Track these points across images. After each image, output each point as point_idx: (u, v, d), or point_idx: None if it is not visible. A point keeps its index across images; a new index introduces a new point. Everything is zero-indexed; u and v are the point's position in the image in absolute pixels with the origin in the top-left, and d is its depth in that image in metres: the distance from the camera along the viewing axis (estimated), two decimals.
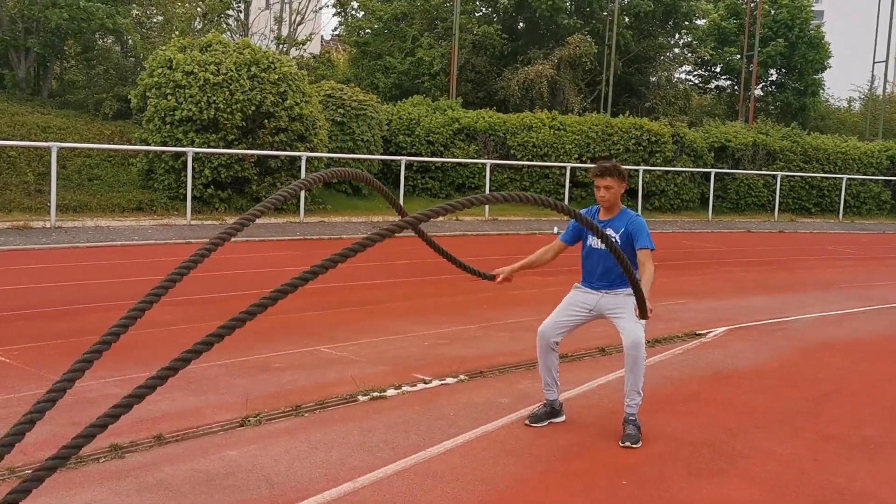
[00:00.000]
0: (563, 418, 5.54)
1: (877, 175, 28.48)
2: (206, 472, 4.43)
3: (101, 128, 19.80)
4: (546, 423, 5.43)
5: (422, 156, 22.70)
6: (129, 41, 21.69)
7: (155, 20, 24.57)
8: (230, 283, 10.59)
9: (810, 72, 37.51)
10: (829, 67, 38.22)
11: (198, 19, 25.48)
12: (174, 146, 16.90)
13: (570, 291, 5.52)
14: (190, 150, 16.29)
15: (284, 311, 8.81)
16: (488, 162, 21.69)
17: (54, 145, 14.91)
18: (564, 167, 22.66)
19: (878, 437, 5.53)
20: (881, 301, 11.54)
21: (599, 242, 5.30)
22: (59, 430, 4.95)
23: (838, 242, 20.97)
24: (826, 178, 27.54)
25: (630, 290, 5.29)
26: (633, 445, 5.06)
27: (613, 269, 5.27)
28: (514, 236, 18.03)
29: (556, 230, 18.17)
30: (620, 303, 5.27)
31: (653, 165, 24.30)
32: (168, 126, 17.05)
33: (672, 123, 26.74)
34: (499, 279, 5.34)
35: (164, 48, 17.87)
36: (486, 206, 20.55)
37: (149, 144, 17.17)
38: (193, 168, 16.53)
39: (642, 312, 4.85)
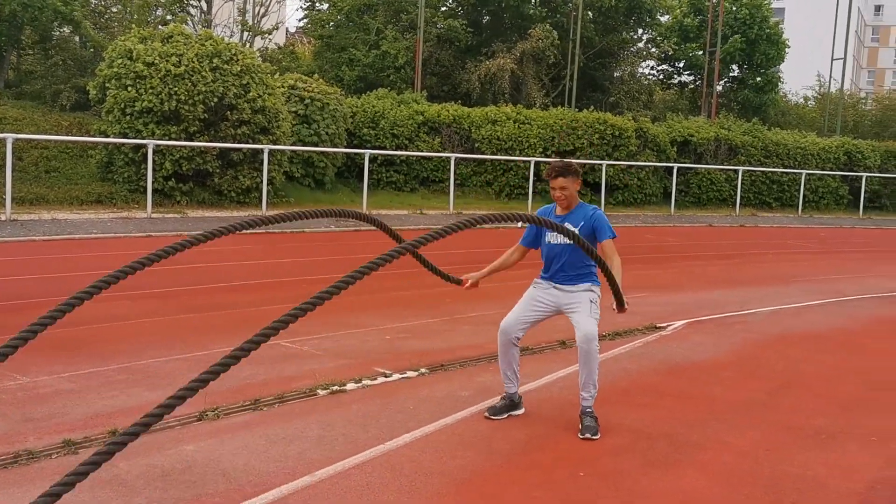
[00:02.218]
0: (522, 410, 5.56)
1: (834, 170, 28.90)
2: (161, 468, 4.39)
3: (59, 119, 19.51)
4: (505, 416, 5.46)
5: (386, 149, 22.65)
6: (85, 31, 21.36)
7: (113, 9, 24.25)
8: (190, 276, 10.49)
9: (769, 66, 38.02)
10: (785, 60, 38.72)
11: (158, 10, 25.18)
12: (134, 138, 16.70)
13: (529, 288, 5.55)
14: (150, 143, 16.11)
15: (244, 305, 8.77)
16: (453, 156, 21.70)
17: (9, 136, 14.66)
18: (529, 161, 22.73)
19: (831, 427, 5.62)
20: (838, 294, 11.72)
21: (558, 238, 5.34)
22: (11, 426, 4.88)
23: (797, 236, 21.27)
24: (786, 172, 27.90)
25: (588, 286, 5.34)
26: (593, 437, 5.10)
27: (575, 263, 5.31)
28: (477, 230, 18.05)
29: (520, 224, 18.18)
30: (577, 298, 5.31)
31: (616, 160, 24.46)
32: (128, 117, 16.85)
33: (635, 118, 26.91)
34: (466, 285, 5.40)
35: (123, 38, 17.64)
36: (451, 200, 20.56)
37: (108, 136, 16.95)
38: (154, 160, 16.35)
39: (620, 304, 4.90)
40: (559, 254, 5.37)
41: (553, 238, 5.40)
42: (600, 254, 5.13)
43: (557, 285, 5.39)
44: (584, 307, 5.28)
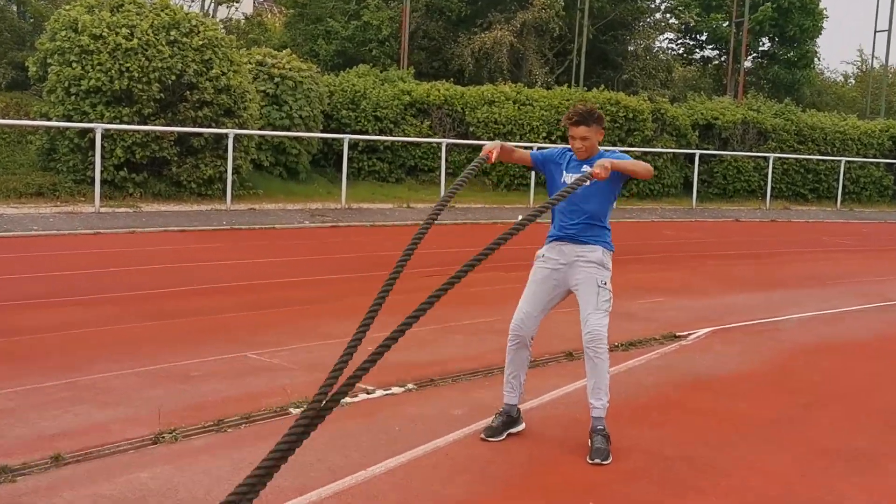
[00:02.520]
0: (522, 426, 5.58)
1: (878, 157, 29.00)
2: (111, 498, 4.39)
3: None
4: (504, 436, 5.46)
5: (368, 134, 22.64)
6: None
7: None
8: (150, 279, 10.47)
9: (804, 40, 38.08)
10: (822, 33, 38.81)
11: None
12: (80, 121, 16.66)
13: (534, 266, 5.54)
14: (99, 126, 16.08)
15: (205, 312, 8.76)
16: (444, 141, 21.72)
17: None
18: (531, 147, 22.73)
19: (872, 449, 5.64)
20: (881, 298, 11.77)
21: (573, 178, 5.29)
22: None
23: (836, 233, 21.35)
24: (823, 160, 27.99)
25: (600, 252, 5.32)
26: (604, 462, 5.10)
27: (595, 212, 5.35)
28: (473, 225, 18.08)
29: (520, 219, 18.21)
30: (586, 279, 5.31)
31: (630, 145, 24.49)
32: (73, 98, 16.81)
33: (652, 98, 26.97)
34: (493, 157, 5.12)
35: (67, 8, 17.60)
36: (442, 192, 20.57)
37: (50, 119, 16.91)
38: (103, 147, 16.31)
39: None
40: (578, 198, 5.28)
41: (569, 178, 5.37)
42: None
43: (566, 242, 5.38)
44: (591, 292, 5.29)
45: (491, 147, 5.17)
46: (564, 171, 5.45)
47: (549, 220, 5.54)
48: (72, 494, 4.40)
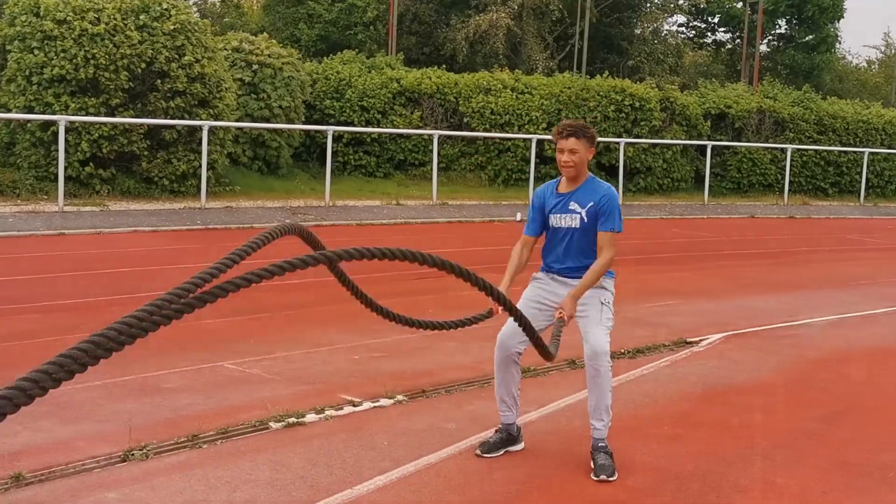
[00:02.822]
0: (521, 446, 5.58)
1: None
2: None
3: None
4: (502, 453, 5.47)
5: (354, 125, 22.65)
6: None
7: None
8: (112, 284, 10.45)
9: (824, 22, 38.15)
10: (843, 15, 38.90)
11: None
12: (42, 113, 16.63)
13: (528, 286, 5.57)
14: (62, 118, 16.05)
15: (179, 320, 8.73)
16: (436, 133, 21.72)
17: None
18: (530, 139, 22.78)
19: None
20: None
21: (563, 220, 5.42)
22: None
23: (859, 230, 21.39)
24: (845, 152, 28.04)
25: (599, 284, 5.37)
26: (609, 479, 5.11)
27: (584, 249, 5.39)
28: (467, 224, 18.09)
29: (518, 217, 18.27)
30: (587, 299, 5.33)
31: (637, 137, 24.53)
32: (35, 87, 16.78)
33: (660, 86, 27.02)
34: (498, 311, 5.25)
35: None
36: (434, 188, 20.59)
37: (10, 111, 16.88)
38: (67, 141, 16.29)
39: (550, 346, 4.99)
40: (565, 238, 5.41)
41: (556, 220, 5.46)
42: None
43: (563, 278, 5.40)
44: (593, 311, 5.32)
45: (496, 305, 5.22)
46: (553, 212, 5.49)
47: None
48: None
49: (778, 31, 39.64)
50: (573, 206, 5.38)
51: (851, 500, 5.03)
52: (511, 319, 5.50)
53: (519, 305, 5.51)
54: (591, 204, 5.37)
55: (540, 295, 5.49)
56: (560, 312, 5.21)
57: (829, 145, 27.85)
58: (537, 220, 5.62)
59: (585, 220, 5.35)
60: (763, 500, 4.96)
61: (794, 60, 38.13)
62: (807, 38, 38.54)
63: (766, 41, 38.92)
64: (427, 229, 17.03)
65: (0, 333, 7.90)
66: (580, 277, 5.36)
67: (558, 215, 5.44)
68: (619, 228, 5.37)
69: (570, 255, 5.43)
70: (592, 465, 5.22)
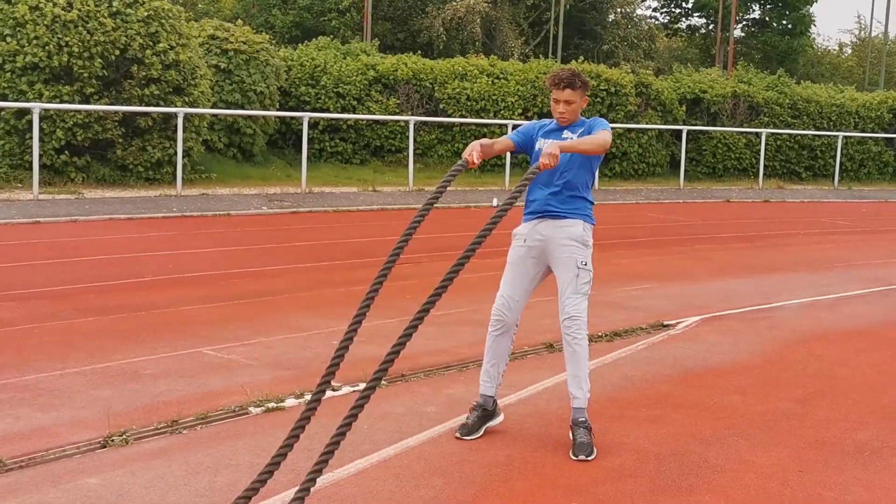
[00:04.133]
0: (500, 418, 5.62)
1: (877, 132, 29.27)
2: None
3: None
4: (481, 433, 5.49)
5: (329, 111, 22.58)
6: None
7: None
8: (89, 271, 10.41)
9: (798, 6, 38.30)
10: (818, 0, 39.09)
11: None
12: (16, 101, 16.51)
13: (511, 248, 5.59)
14: (36, 106, 15.93)
15: (157, 306, 8.73)
16: (412, 119, 21.69)
17: None
18: (506, 125, 22.80)
19: (875, 441, 5.72)
20: (883, 282, 11.90)
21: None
22: None
23: (833, 213, 21.54)
24: (819, 135, 28.22)
25: (580, 224, 5.40)
26: (588, 458, 5.15)
27: (573, 181, 5.41)
28: (444, 210, 18.08)
29: (495, 202, 18.29)
30: (565, 259, 5.37)
31: (612, 122, 24.57)
32: (8, 75, 16.65)
33: (635, 71, 27.10)
34: (474, 160, 5.23)
35: None
36: (411, 174, 20.56)
37: None
38: (41, 129, 16.18)
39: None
40: (556, 167, 5.30)
41: (546, 145, 5.38)
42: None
43: (544, 218, 5.44)
44: (570, 274, 5.35)
45: (469, 151, 5.26)
46: (543, 139, 5.50)
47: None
48: (15, 502, 4.39)
49: (752, 16, 39.75)
50: (566, 134, 5.42)
51: (828, 478, 5.08)
52: (503, 288, 5.53)
53: (507, 271, 5.55)
54: (582, 129, 5.42)
55: (522, 253, 5.52)
56: (541, 158, 5.00)
57: (803, 129, 28.02)
58: (524, 136, 5.62)
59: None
60: (741, 480, 5.00)
61: (769, 44, 38.25)
62: (781, 23, 38.65)
63: (739, 26, 39.03)
64: (404, 215, 17.00)
65: None
66: (565, 214, 5.40)
67: (550, 140, 5.41)
68: (609, 128, 5.38)
69: (559, 186, 5.42)
70: (572, 443, 5.25)
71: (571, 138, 5.40)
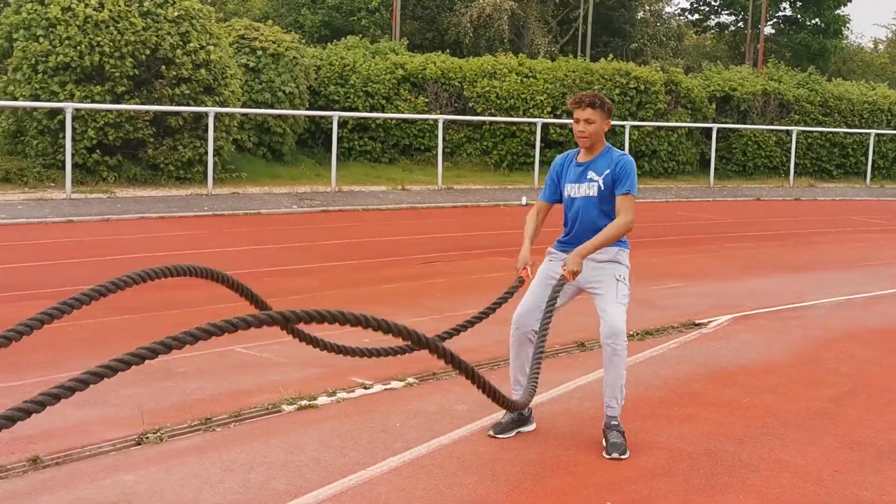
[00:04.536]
0: (533, 426, 5.60)
1: None
2: (94, 502, 4.41)
3: None
4: (514, 434, 5.49)
5: (358, 111, 22.62)
6: None
7: None
8: (121, 270, 10.44)
9: (830, 6, 37.96)
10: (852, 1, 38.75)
11: None
12: (48, 101, 16.64)
13: (543, 262, 5.58)
14: (69, 106, 16.06)
15: (188, 304, 8.77)
16: (441, 117, 21.68)
17: None
18: (535, 123, 22.76)
19: None
20: None
21: (579, 189, 5.44)
22: None
23: (865, 212, 21.37)
24: (850, 133, 27.98)
25: (614, 252, 5.39)
26: (621, 456, 5.14)
27: (599, 221, 5.40)
28: (473, 208, 18.09)
29: (524, 201, 18.26)
30: (601, 275, 5.35)
31: (642, 120, 24.49)
32: (40, 75, 16.79)
33: (665, 69, 26.96)
34: (527, 275, 5.46)
35: None
36: (440, 173, 20.56)
37: (16, 99, 16.89)
38: (74, 128, 16.30)
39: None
40: (580, 209, 5.42)
41: (573, 190, 5.47)
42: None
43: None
44: (609, 287, 5.33)
45: (522, 265, 5.46)
46: (569, 182, 5.52)
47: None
48: (51, 498, 4.43)
49: (783, 14, 39.47)
50: (590, 174, 5.41)
51: (864, 478, 5.04)
52: (527, 297, 5.53)
53: (534, 282, 5.55)
54: (608, 171, 5.39)
55: (554, 270, 5.48)
56: (563, 268, 5.21)
57: (835, 127, 27.79)
58: (552, 187, 5.64)
59: (602, 189, 5.37)
60: (775, 479, 4.98)
61: (801, 43, 37.94)
62: (813, 22, 38.33)
63: (770, 23, 38.77)
64: (432, 214, 17.03)
65: (10, 319, 7.88)
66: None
67: (575, 185, 5.45)
68: (634, 192, 5.39)
69: (586, 225, 5.42)
70: (604, 444, 5.24)
71: (596, 181, 5.39)
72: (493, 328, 8.18)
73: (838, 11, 38.27)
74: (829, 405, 6.39)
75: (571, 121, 5.59)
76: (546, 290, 5.45)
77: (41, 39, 16.68)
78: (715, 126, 25.52)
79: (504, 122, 23.57)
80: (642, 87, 24.70)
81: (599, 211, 5.40)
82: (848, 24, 39.83)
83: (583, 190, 5.42)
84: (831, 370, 7.37)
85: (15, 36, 17.01)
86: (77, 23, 16.67)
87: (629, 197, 5.36)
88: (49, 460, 4.87)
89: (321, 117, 21.64)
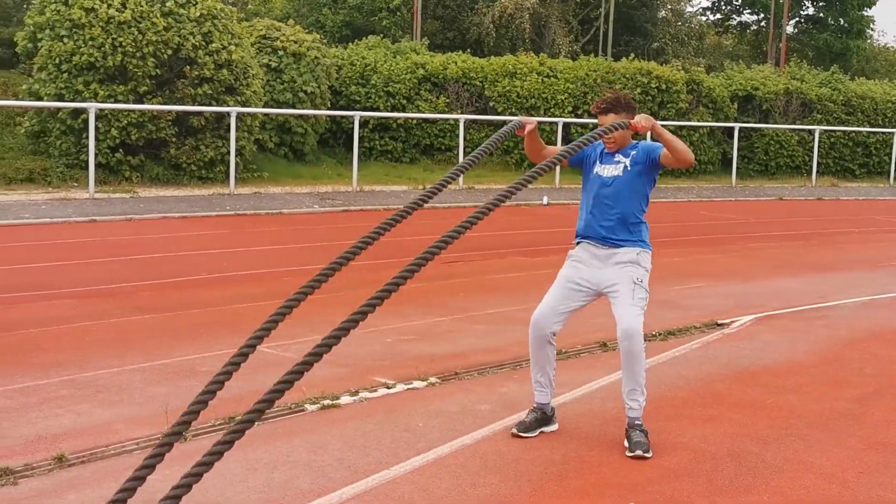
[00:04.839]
0: (555, 426, 5.59)
1: None
2: (119, 501, 4.42)
3: None
4: (536, 433, 5.48)
5: (380, 110, 22.65)
6: None
7: None
8: (145, 269, 10.53)
9: (855, 6, 37.71)
10: (876, 2, 38.49)
11: None
12: (72, 100, 16.74)
13: (565, 264, 5.57)
14: (92, 106, 16.15)
15: (211, 304, 8.82)
16: (462, 117, 21.70)
17: None
18: (556, 122, 22.73)
19: None
20: None
21: (611, 169, 5.42)
22: None
23: (889, 211, 21.24)
24: (873, 132, 27.81)
25: (636, 252, 5.37)
26: (645, 455, 5.13)
27: (628, 208, 5.40)
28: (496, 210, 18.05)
29: (545, 201, 18.24)
30: (621, 277, 5.33)
31: (664, 119, 24.40)
32: (64, 75, 16.89)
33: (686, 68, 26.87)
34: (526, 129, 5.34)
35: None
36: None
37: (40, 99, 16.99)
38: (97, 128, 16.39)
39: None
40: (610, 192, 5.39)
41: (601, 170, 5.46)
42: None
43: (599, 244, 5.41)
44: (625, 290, 5.31)
45: (529, 119, 5.33)
46: (599, 163, 5.50)
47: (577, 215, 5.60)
48: (77, 497, 4.45)
49: (805, 13, 39.26)
50: (618, 157, 5.44)
51: (889, 480, 5.02)
52: (546, 299, 5.52)
53: (555, 284, 5.53)
54: (635, 152, 5.43)
55: (574, 274, 5.47)
56: (641, 118, 5.13)
57: (858, 126, 27.64)
58: (577, 154, 5.57)
59: (629, 168, 5.38)
60: (800, 481, 4.96)
61: (824, 43, 37.72)
62: (837, 22, 38.09)
63: (792, 22, 38.58)
64: (454, 214, 17.02)
65: (36, 318, 7.99)
66: (619, 243, 5.37)
67: (603, 165, 5.47)
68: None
69: (612, 211, 5.39)
70: (627, 444, 5.23)
71: (623, 162, 5.42)
72: (514, 328, 8.20)
73: (862, 12, 38.02)
74: (854, 406, 6.36)
75: (593, 120, 5.60)
76: (565, 294, 5.44)
77: (65, 40, 16.77)
78: (737, 125, 25.43)
79: None
80: (664, 87, 24.64)
81: (622, 190, 5.38)
82: (872, 25, 39.63)
83: (609, 170, 5.43)
84: (855, 370, 7.33)
85: (39, 36, 17.12)
86: (100, 23, 16.76)
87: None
88: (75, 459, 4.90)
89: (342, 117, 21.68)
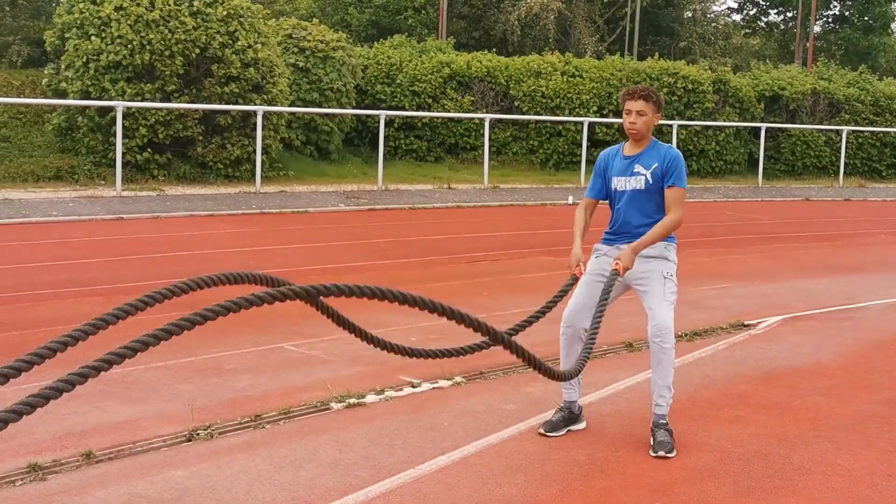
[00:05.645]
0: (583, 425, 5.58)
1: None
2: (146, 497, 4.45)
3: (9, 77, 19.71)
4: (564, 432, 5.47)
5: (405, 109, 22.67)
6: None
7: None
8: (174, 267, 10.58)
9: (880, 2, 37.50)
10: None
11: None
12: (100, 98, 16.84)
13: (590, 259, 5.56)
14: (120, 104, 16.23)
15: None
16: (487, 116, 21.68)
17: None
18: (581, 122, 22.67)
19: None
20: None
21: (627, 182, 5.43)
22: None
23: None
24: None
25: (661, 247, 5.36)
26: (667, 455, 5.11)
27: (648, 213, 5.41)
28: (519, 207, 18.05)
29: (570, 200, 18.20)
30: (649, 269, 5.32)
31: (690, 119, 24.33)
32: (92, 73, 16.99)
33: (713, 68, 26.75)
34: (581, 271, 5.44)
35: None
36: (486, 172, 20.54)
37: (68, 97, 17.10)
38: (124, 126, 16.47)
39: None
40: (628, 202, 5.42)
41: (620, 183, 5.46)
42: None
43: (624, 245, 5.39)
44: (656, 284, 5.31)
45: (575, 263, 5.42)
46: (617, 176, 5.50)
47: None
48: (105, 493, 4.47)
49: (832, 12, 39.03)
50: (637, 168, 5.41)
51: None
52: (575, 295, 5.51)
53: (582, 280, 5.52)
54: (656, 165, 5.39)
55: (601, 267, 5.46)
56: (616, 263, 5.19)
57: (886, 126, 27.44)
58: (598, 182, 5.63)
59: (650, 182, 5.37)
60: (828, 483, 4.92)
61: (850, 41, 37.50)
62: (864, 19, 37.87)
63: (819, 22, 38.35)
64: (479, 213, 17.02)
65: (65, 315, 8.03)
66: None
67: (622, 178, 5.45)
68: (684, 186, 5.41)
69: (633, 218, 5.41)
70: (651, 442, 5.21)
71: (643, 175, 5.39)
72: (542, 327, 8.15)
73: (886, 9, 37.77)
74: (882, 408, 6.31)
75: (618, 120, 5.60)
76: (594, 288, 5.43)
77: (93, 38, 16.87)
78: (763, 125, 25.29)
79: (550, 122, 23.51)
80: (690, 87, 24.55)
81: (647, 204, 5.40)
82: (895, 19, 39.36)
83: (631, 183, 5.41)
84: (884, 373, 7.27)
85: (67, 35, 17.22)
86: (128, 22, 16.85)
87: (679, 189, 5.38)
88: (102, 455, 4.92)
89: (368, 116, 21.72)
